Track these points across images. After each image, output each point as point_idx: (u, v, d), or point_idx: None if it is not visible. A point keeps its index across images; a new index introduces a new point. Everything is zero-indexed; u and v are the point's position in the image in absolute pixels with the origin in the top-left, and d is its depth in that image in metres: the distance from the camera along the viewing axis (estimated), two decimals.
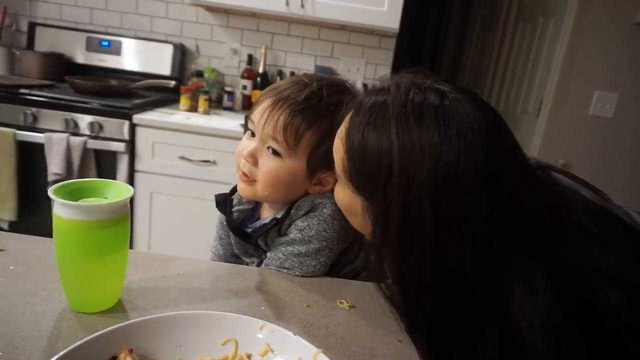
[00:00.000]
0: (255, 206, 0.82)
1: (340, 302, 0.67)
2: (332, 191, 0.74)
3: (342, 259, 0.77)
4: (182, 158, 1.85)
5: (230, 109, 2.28)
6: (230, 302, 0.63)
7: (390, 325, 0.63)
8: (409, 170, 0.48)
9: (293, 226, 0.73)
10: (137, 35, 2.35)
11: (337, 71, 2.38)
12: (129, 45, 2.29)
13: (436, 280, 0.49)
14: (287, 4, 1.99)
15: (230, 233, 0.80)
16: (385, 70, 2.39)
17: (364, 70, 2.39)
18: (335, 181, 0.73)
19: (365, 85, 2.34)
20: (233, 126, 1.89)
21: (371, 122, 0.53)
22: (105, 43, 2.28)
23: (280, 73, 2.35)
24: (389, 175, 0.49)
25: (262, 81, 2.29)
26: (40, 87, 1.94)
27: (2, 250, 0.67)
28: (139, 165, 1.87)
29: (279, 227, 0.73)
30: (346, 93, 0.72)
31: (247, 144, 0.72)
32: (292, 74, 2.35)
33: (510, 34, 3.11)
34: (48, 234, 1.74)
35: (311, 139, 0.69)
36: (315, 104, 0.68)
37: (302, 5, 1.99)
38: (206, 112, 2.06)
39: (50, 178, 1.76)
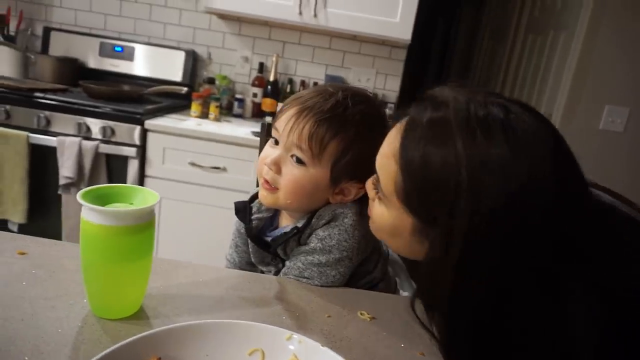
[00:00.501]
0: (274, 214, 0.81)
1: (361, 314, 0.66)
2: (353, 201, 0.75)
3: (360, 269, 0.77)
4: (193, 164, 1.86)
5: (240, 116, 2.29)
6: (252, 311, 0.62)
7: (412, 339, 0.62)
8: (478, 187, 0.46)
9: (314, 235, 0.73)
10: (150, 42, 2.37)
11: (348, 81, 2.38)
12: (141, 51, 2.31)
13: (497, 300, 0.48)
14: (300, 13, 2.00)
15: (249, 241, 0.80)
16: (395, 81, 2.40)
17: (374, 80, 2.40)
18: (358, 191, 0.74)
19: (375, 95, 2.34)
20: (244, 133, 1.90)
21: (433, 138, 0.51)
22: (119, 49, 2.30)
23: (291, 82, 2.36)
24: (456, 193, 0.47)
25: (273, 89, 2.30)
26: (54, 91, 1.95)
27: (23, 253, 0.67)
28: (149, 171, 1.88)
29: (299, 236, 0.73)
30: (370, 104, 0.73)
31: (271, 152, 0.72)
32: (303, 82, 2.37)
33: (520, 46, 3.12)
34: (58, 236, 1.75)
35: (336, 149, 0.69)
36: (341, 114, 0.68)
37: (315, 15, 2.00)
38: (217, 119, 2.07)
39: (62, 182, 1.77)
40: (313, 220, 0.72)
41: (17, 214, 1.82)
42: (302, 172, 0.69)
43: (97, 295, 0.56)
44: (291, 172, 0.70)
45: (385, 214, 0.59)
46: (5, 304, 0.55)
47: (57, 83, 2.13)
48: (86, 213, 0.53)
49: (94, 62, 2.32)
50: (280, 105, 2.19)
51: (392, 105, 2.33)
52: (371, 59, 2.38)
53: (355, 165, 0.70)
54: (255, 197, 0.81)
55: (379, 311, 0.68)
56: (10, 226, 1.85)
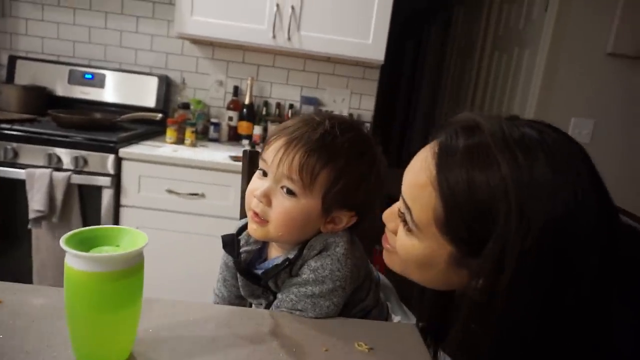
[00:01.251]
0: (262, 246, 0.80)
1: (359, 345, 0.65)
2: (343, 229, 0.74)
3: (353, 297, 0.76)
4: (170, 191, 1.82)
5: (216, 140, 2.27)
6: (247, 350, 0.60)
7: None
8: (527, 208, 0.46)
9: (305, 266, 0.71)
10: (121, 68, 2.33)
11: (323, 101, 2.40)
12: (112, 77, 2.27)
13: (545, 324, 0.48)
14: (274, 37, 2.01)
15: (238, 275, 0.78)
16: (370, 101, 2.43)
17: (349, 100, 2.42)
18: (349, 219, 0.73)
19: (351, 114, 2.36)
20: (221, 158, 1.88)
21: (475, 163, 0.50)
22: (89, 76, 2.26)
23: (267, 104, 2.36)
24: (506, 216, 0.47)
25: (248, 112, 2.29)
26: (21, 121, 1.89)
27: None
28: (124, 200, 1.83)
29: (290, 267, 0.72)
30: (358, 131, 0.72)
31: (260, 184, 0.70)
32: (278, 104, 2.37)
33: (486, 63, 3.22)
34: (28, 271, 1.67)
35: (327, 178, 0.68)
36: (330, 143, 0.68)
37: (289, 38, 2.01)
38: (193, 144, 2.04)
39: (32, 215, 1.70)
40: (305, 250, 0.71)
41: None
42: (293, 203, 0.68)
43: (83, 345, 0.53)
44: (282, 204, 0.69)
45: (417, 246, 0.58)
46: None
47: (24, 113, 2.06)
48: (70, 259, 0.50)
49: (63, 90, 2.26)
50: (256, 128, 2.18)
51: (368, 125, 2.36)
52: (345, 80, 2.40)
53: (346, 194, 0.70)
54: (242, 229, 0.79)
55: (376, 341, 0.66)
56: None
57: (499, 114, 0.56)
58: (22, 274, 1.76)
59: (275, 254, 0.77)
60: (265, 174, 0.71)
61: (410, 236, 0.59)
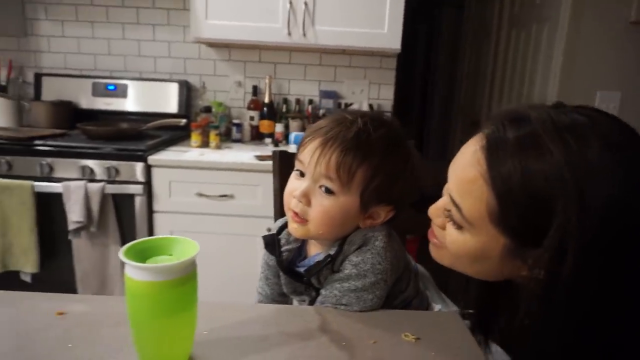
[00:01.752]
0: (301, 244, 0.82)
1: (405, 335, 0.66)
2: (382, 224, 0.75)
3: (394, 289, 0.77)
4: (200, 194, 1.86)
5: (239, 140, 2.30)
6: (298, 346, 0.62)
7: (461, 355, 0.63)
8: (585, 194, 0.47)
9: (347, 262, 0.73)
10: (142, 77, 2.38)
11: (342, 94, 2.40)
12: (134, 87, 2.32)
13: (613, 313, 0.48)
14: (289, 33, 2.02)
15: (281, 273, 0.80)
16: (389, 90, 2.42)
17: (368, 91, 2.42)
18: (387, 214, 0.74)
19: (371, 105, 2.36)
20: (247, 158, 1.91)
21: (528, 153, 0.50)
22: (111, 87, 2.31)
23: (286, 101, 2.38)
24: (565, 204, 0.47)
25: (269, 110, 2.31)
26: (53, 136, 1.95)
27: (62, 313, 0.67)
28: (156, 206, 1.88)
29: (332, 263, 0.74)
30: (390, 127, 0.73)
31: (298, 184, 0.72)
32: (298, 100, 2.38)
33: (504, 42, 3.16)
34: (71, 282, 1.73)
35: (364, 175, 0.70)
36: (364, 140, 0.69)
37: (304, 34, 2.02)
38: (218, 147, 2.07)
39: (71, 227, 1.76)
40: (345, 246, 0.73)
41: (29, 264, 1.81)
42: (332, 201, 0.70)
43: (148, 349, 0.56)
44: (321, 203, 0.70)
45: (469, 241, 0.58)
46: None
47: (53, 128, 2.13)
48: (130, 270, 0.53)
49: (87, 102, 2.32)
50: (278, 125, 2.20)
51: (389, 114, 2.35)
52: (362, 71, 2.40)
53: (383, 189, 0.71)
54: (282, 229, 0.81)
55: (422, 331, 0.68)
56: (22, 277, 1.83)
57: (543, 103, 0.57)
58: (67, 284, 1.83)
59: (315, 251, 0.79)
60: (302, 175, 0.73)
61: (461, 232, 0.59)
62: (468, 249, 0.59)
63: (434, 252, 0.68)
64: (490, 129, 0.56)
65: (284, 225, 0.81)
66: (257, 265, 1.98)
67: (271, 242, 0.79)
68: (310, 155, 0.70)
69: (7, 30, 2.24)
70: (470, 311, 0.78)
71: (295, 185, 0.73)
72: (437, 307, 0.89)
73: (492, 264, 0.58)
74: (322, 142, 0.70)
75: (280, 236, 0.81)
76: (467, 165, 0.57)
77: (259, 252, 1.94)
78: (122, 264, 0.53)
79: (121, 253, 0.53)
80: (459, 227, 0.59)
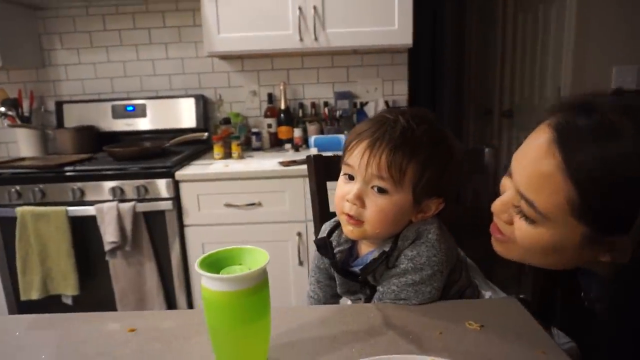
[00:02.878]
0: (352, 244, 0.83)
1: (469, 324, 0.68)
2: (432, 216, 0.76)
3: (449, 279, 0.78)
4: (228, 205, 1.89)
5: (259, 149, 2.33)
6: (370, 343, 0.64)
7: (527, 340, 0.64)
8: None
9: (402, 256, 0.74)
10: (159, 95, 2.42)
11: (356, 94, 2.42)
12: (152, 105, 2.36)
13: None
14: (301, 39, 2.04)
15: (336, 274, 0.82)
16: (402, 85, 2.43)
17: (382, 89, 2.43)
18: (437, 206, 0.75)
19: (386, 102, 2.37)
20: (270, 165, 1.93)
21: (603, 140, 0.51)
22: (130, 108, 2.35)
23: (302, 105, 2.40)
24: None
25: (286, 117, 2.33)
26: (80, 161, 2.00)
27: (133, 330, 0.70)
28: (187, 220, 1.91)
29: (386, 260, 0.75)
30: (430, 122, 0.75)
31: (349, 188, 0.74)
32: (313, 104, 2.40)
33: (511, 27, 3.14)
34: (111, 301, 1.77)
35: (414, 171, 0.71)
36: (411, 137, 0.71)
37: (316, 39, 2.04)
38: (240, 157, 2.10)
39: (107, 247, 1.80)
40: (399, 242, 0.74)
41: (69, 287, 1.85)
42: (386, 200, 0.72)
43: (227, 356, 0.58)
44: (375, 203, 0.72)
45: (544, 234, 0.58)
46: None
47: (78, 153, 2.18)
48: (206, 281, 0.55)
49: (108, 125, 2.37)
50: (296, 130, 2.22)
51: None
52: (375, 69, 2.41)
53: (433, 183, 0.72)
54: (332, 231, 0.83)
55: (484, 318, 0.69)
56: (64, 299, 1.88)
57: (604, 90, 0.57)
58: (107, 303, 1.87)
59: (366, 250, 0.81)
60: (351, 178, 0.74)
61: (535, 226, 0.59)
62: (544, 242, 0.58)
63: (499, 247, 0.68)
64: (556, 120, 0.56)
65: (334, 228, 0.83)
66: (289, 270, 2.01)
67: (323, 245, 0.81)
68: (360, 158, 0.71)
69: (26, 62, 2.30)
70: (522, 296, 0.79)
71: (346, 189, 0.74)
72: (487, 294, 0.89)
73: (567, 254, 0.58)
74: (370, 144, 0.71)
75: (331, 239, 0.82)
76: (538, 160, 0.56)
77: (291, 257, 1.97)
78: (186, 277, 0.55)
79: (197, 265, 0.56)
80: (532, 221, 0.59)
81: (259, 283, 0.56)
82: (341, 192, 0.75)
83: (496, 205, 0.65)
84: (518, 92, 3.12)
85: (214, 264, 0.58)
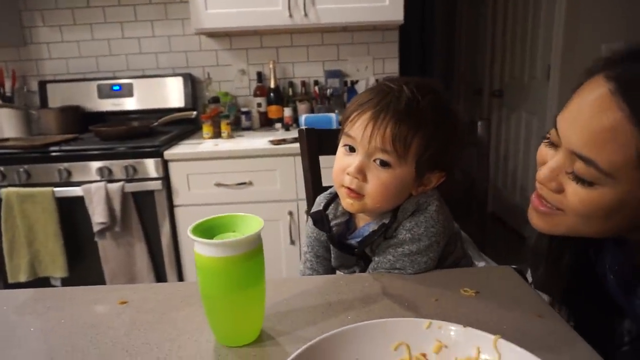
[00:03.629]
0: (349, 217, 0.82)
1: (465, 291, 0.68)
2: (432, 189, 0.75)
3: (445, 250, 0.78)
4: (218, 185, 1.87)
5: (249, 128, 2.30)
6: (364, 310, 0.64)
7: (523, 304, 0.64)
8: None
9: (400, 227, 0.73)
10: (145, 74, 2.37)
11: (347, 72, 2.39)
12: (139, 85, 2.31)
13: None
14: (291, 15, 2.00)
15: (331, 248, 0.81)
16: (393, 63, 2.41)
17: (373, 67, 2.40)
18: (438, 179, 0.74)
19: (377, 80, 2.35)
20: (261, 144, 1.91)
21: None
22: (117, 87, 2.30)
23: (292, 84, 2.37)
24: None
25: (276, 95, 2.30)
26: (66, 141, 1.95)
27: (124, 302, 0.68)
28: (177, 200, 1.89)
29: (384, 232, 0.74)
30: (436, 92, 0.72)
31: (350, 160, 0.71)
32: (303, 83, 2.37)
33: (502, 7, 3.12)
34: (101, 282, 1.75)
35: (419, 144, 0.69)
36: (416, 109, 0.68)
37: (306, 15, 2.00)
38: (230, 136, 2.08)
39: (96, 228, 1.77)
40: (398, 214, 0.73)
41: (57, 269, 1.82)
42: (389, 174, 0.70)
43: (222, 324, 0.57)
44: (377, 177, 0.70)
45: (607, 194, 0.54)
46: (134, 352, 0.56)
47: (64, 133, 2.13)
48: (200, 248, 0.54)
49: (94, 105, 2.32)
50: (286, 110, 2.19)
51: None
52: (365, 47, 2.38)
53: (437, 157, 0.71)
54: (328, 204, 0.81)
55: (480, 285, 0.69)
56: (53, 282, 1.85)
57: None
58: (97, 284, 1.84)
59: (363, 223, 0.80)
60: (352, 150, 0.72)
61: (594, 188, 0.55)
62: (606, 204, 0.55)
63: (541, 221, 0.63)
64: (613, 72, 0.53)
65: (330, 201, 0.81)
66: (281, 250, 2.00)
67: (320, 219, 0.79)
68: (363, 130, 0.69)
69: (6, 40, 2.23)
70: (516, 267, 0.79)
71: (346, 161, 0.72)
72: (480, 264, 0.90)
73: (628, 214, 0.55)
74: (373, 115, 0.68)
75: (327, 211, 0.81)
76: (597, 114, 0.53)
77: (282, 237, 1.96)
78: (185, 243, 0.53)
79: (189, 232, 0.54)
80: (590, 184, 0.55)
81: (254, 249, 0.55)
82: (341, 165, 0.73)
83: (543, 174, 0.60)
84: (508, 72, 3.12)
85: (207, 231, 0.57)
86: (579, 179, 0.56)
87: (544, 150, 0.63)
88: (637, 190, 0.52)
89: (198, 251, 0.54)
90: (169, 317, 0.64)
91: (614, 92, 0.52)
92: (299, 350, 0.47)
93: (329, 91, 2.30)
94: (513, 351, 0.46)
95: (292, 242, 1.94)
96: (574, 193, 0.57)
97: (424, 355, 0.48)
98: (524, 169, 2.94)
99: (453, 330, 0.50)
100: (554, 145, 0.61)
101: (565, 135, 0.57)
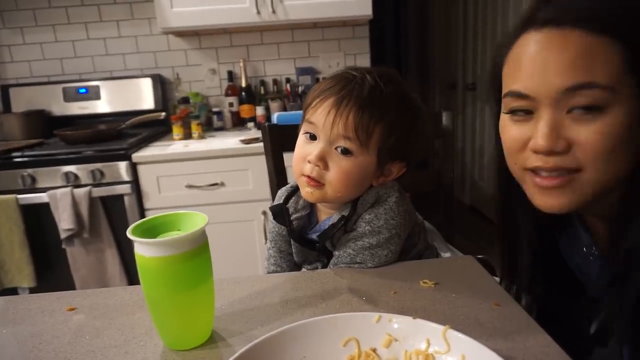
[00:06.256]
0: (310, 211, 0.80)
1: (424, 282, 0.66)
2: (393, 180, 0.74)
3: (407, 243, 0.77)
4: (190, 186, 1.83)
5: (221, 128, 2.26)
6: (321, 307, 0.62)
7: (481, 293, 0.63)
8: None
9: (360, 220, 0.72)
10: (113, 76, 2.31)
11: (318, 69, 2.37)
12: (106, 87, 2.26)
13: None
14: (258, 12, 1.98)
15: (292, 242, 0.79)
16: (365, 59, 2.40)
17: (344, 63, 2.39)
18: (399, 170, 0.73)
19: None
20: (232, 144, 1.88)
21: None
22: (83, 90, 2.24)
23: (263, 83, 2.34)
24: None
25: (247, 95, 2.27)
26: (30, 147, 1.89)
27: (73, 309, 0.65)
28: (147, 203, 1.84)
29: (344, 225, 0.72)
30: (397, 81, 0.71)
31: (311, 148, 0.69)
32: (275, 81, 2.35)
33: (472, 3, 3.14)
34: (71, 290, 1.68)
35: (381, 133, 0.68)
36: (379, 97, 0.67)
37: (274, 11, 1.98)
38: (201, 137, 2.04)
39: (63, 235, 1.72)
40: (358, 206, 0.72)
41: (24, 279, 1.77)
42: (350, 162, 0.68)
43: (169, 328, 0.55)
44: (339, 165, 0.68)
45: (617, 116, 0.50)
46: None
47: (28, 139, 2.06)
48: (140, 248, 0.52)
49: (60, 109, 2.25)
50: (258, 108, 2.16)
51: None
52: (336, 43, 2.37)
53: (398, 146, 0.70)
54: (288, 198, 0.79)
55: (440, 276, 0.68)
56: (20, 293, 1.79)
57: None
58: None
59: (325, 216, 0.78)
60: (313, 138, 0.70)
61: (606, 113, 0.50)
62: (620, 127, 0.50)
63: (553, 199, 0.55)
64: (545, 15, 0.53)
65: (291, 194, 0.79)
66: (256, 250, 1.98)
67: (280, 212, 0.77)
68: (325, 116, 0.67)
69: None
70: (481, 256, 0.78)
71: (307, 149, 0.70)
72: (446, 255, 0.89)
73: (636, 141, 0.51)
74: (336, 102, 0.67)
75: (288, 205, 0.79)
76: (566, 49, 0.51)
77: (257, 237, 1.93)
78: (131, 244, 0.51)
79: (129, 232, 0.52)
80: (600, 109, 0.50)
81: (198, 247, 0.53)
82: (302, 153, 0.70)
83: (545, 137, 0.52)
84: (480, 66, 3.14)
85: (150, 230, 0.54)
86: (588, 110, 0.51)
87: (514, 130, 0.57)
88: (637, 106, 0.51)
89: (139, 252, 0.52)
90: (118, 322, 0.61)
91: (560, 26, 0.51)
92: (242, 350, 0.45)
93: (300, 88, 2.28)
94: (462, 341, 0.44)
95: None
96: (590, 132, 0.51)
97: (373, 350, 0.47)
98: None
99: (403, 322, 0.48)
100: (527, 112, 0.55)
101: (544, 85, 0.52)
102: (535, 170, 0.56)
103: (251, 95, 2.29)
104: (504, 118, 0.59)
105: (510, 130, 0.58)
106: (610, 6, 0.51)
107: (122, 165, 1.78)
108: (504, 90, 0.58)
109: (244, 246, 1.91)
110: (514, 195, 0.65)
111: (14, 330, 0.61)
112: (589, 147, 0.51)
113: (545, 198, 0.56)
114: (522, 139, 0.56)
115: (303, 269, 0.86)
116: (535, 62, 0.53)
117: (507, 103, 0.57)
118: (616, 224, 0.56)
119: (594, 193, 0.54)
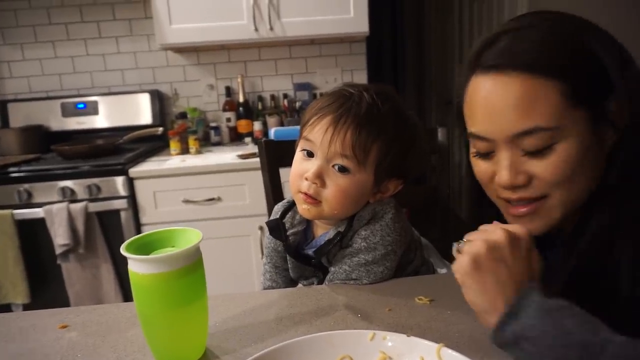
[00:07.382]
0: (307, 226, 0.80)
1: (419, 299, 0.66)
2: (389, 197, 0.74)
3: (403, 260, 0.77)
4: (187, 201, 1.83)
5: (219, 143, 2.27)
6: (316, 324, 0.61)
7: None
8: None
9: (356, 236, 0.72)
10: (111, 91, 2.32)
11: (316, 85, 2.39)
12: (104, 102, 2.27)
13: None
14: (256, 29, 2.00)
15: (288, 258, 0.79)
16: (362, 75, 2.42)
17: (341, 79, 2.41)
18: (396, 187, 0.73)
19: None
20: (229, 159, 1.88)
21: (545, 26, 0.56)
22: (81, 105, 2.25)
23: (261, 98, 2.36)
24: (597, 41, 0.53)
25: (245, 110, 2.29)
26: (27, 162, 1.89)
27: (65, 326, 0.65)
28: (144, 218, 1.84)
29: (340, 241, 0.72)
30: (394, 99, 0.72)
31: (309, 165, 0.69)
32: (272, 97, 2.36)
33: (467, 18, 3.19)
34: (66, 306, 1.68)
35: (378, 151, 0.68)
36: (377, 115, 0.68)
37: (272, 28, 2.00)
38: (198, 152, 2.04)
39: (58, 250, 1.71)
40: (354, 222, 0.72)
41: (19, 295, 1.75)
42: (347, 180, 0.68)
43: (162, 345, 0.54)
44: (336, 183, 0.68)
45: (567, 148, 0.53)
46: None
47: (26, 154, 2.07)
48: (133, 265, 0.51)
49: (58, 124, 2.25)
50: (255, 124, 2.17)
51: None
52: (333, 59, 2.39)
53: (395, 164, 0.70)
54: (285, 213, 0.79)
55: (435, 293, 0.68)
56: (14, 309, 1.77)
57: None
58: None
59: (322, 232, 0.78)
60: (310, 155, 0.70)
61: (554, 148, 0.53)
62: (572, 154, 0.53)
63: (534, 222, 0.58)
64: (484, 62, 0.56)
65: (287, 209, 0.79)
66: (252, 266, 1.97)
67: (276, 227, 0.77)
68: (323, 134, 0.67)
69: None
70: None
71: (304, 166, 0.70)
72: (442, 271, 0.89)
73: (592, 156, 0.54)
74: (334, 120, 0.67)
75: (284, 220, 0.79)
76: (508, 93, 0.54)
77: (253, 252, 1.93)
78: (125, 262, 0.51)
79: (123, 248, 0.52)
80: (548, 148, 0.53)
81: (192, 264, 0.53)
82: (299, 170, 0.70)
83: (505, 176, 0.56)
84: None
85: (144, 247, 0.54)
86: (538, 151, 0.54)
87: (482, 166, 0.61)
88: (580, 127, 0.53)
89: (132, 269, 0.51)
90: (111, 339, 0.61)
91: (502, 70, 0.54)
92: None
93: (298, 104, 2.30)
94: (456, 359, 0.44)
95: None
96: (545, 165, 0.54)
97: None
98: None
99: (397, 340, 0.48)
100: (487, 153, 0.59)
101: (496, 130, 0.56)
102: (507, 200, 0.59)
103: (249, 110, 2.30)
104: (473, 152, 0.63)
105: (478, 165, 0.62)
106: (545, 48, 0.53)
107: (119, 180, 1.78)
108: (467, 129, 0.61)
109: (241, 261, 1.90)
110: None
111: (4, 348, 0.60)
112: (548, 178, 0.55)
113: (519, 226, 0.59)
114: (489, 174, 0.60)
115: (299, 285, 0.85)
116: (485, 107, 0.56)
117: (471, 142, 0.62)
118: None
119: (564, 213, 0.57)
